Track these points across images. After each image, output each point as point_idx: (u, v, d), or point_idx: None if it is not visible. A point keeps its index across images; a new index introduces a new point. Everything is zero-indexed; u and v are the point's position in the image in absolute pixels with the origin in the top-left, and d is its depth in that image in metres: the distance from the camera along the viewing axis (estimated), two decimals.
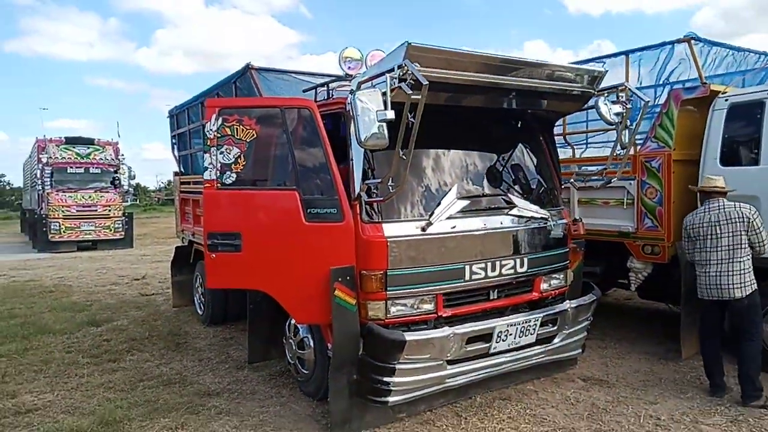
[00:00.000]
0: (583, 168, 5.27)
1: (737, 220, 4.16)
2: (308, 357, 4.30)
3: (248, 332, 5.04)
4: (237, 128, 3.88)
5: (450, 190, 4.05)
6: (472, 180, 4.34)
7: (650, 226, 5.33)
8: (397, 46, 3.48)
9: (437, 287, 3.89)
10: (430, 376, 3.79)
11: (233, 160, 3.87)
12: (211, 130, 3.90)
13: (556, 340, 4.38)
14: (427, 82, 3.17)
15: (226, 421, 4.05)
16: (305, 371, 4.37)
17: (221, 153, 3.86)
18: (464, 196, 4.10)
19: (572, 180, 4.98)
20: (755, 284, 4.18)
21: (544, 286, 4.45)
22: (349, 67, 4.28)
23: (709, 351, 4.41)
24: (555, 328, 4.34)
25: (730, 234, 4.17)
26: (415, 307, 3.85)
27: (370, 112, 3.29)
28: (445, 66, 3.60)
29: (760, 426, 3.76)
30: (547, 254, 4.45)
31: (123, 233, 17.42)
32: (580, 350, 4.71)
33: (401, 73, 3.31)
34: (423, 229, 3.84)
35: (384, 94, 3.32)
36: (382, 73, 3.40)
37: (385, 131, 3.30)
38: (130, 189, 18.63)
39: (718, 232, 4.20)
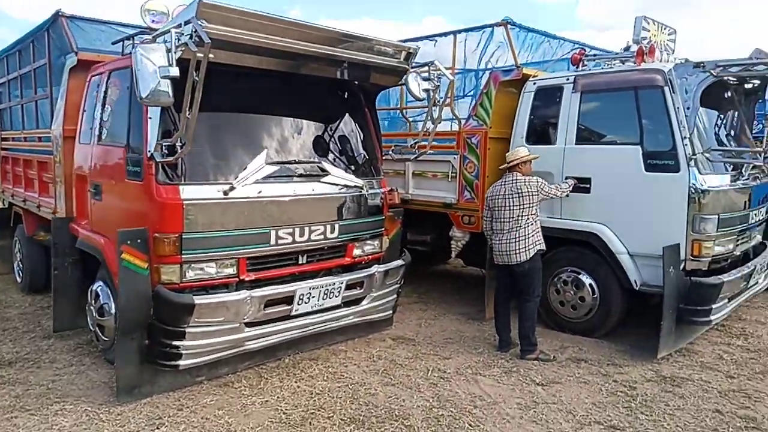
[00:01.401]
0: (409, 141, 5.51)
1: (526, 192, 4.58)
2: (108, 324, 4.13)
3: (53, 299, 4.78)
4: (111, 89, 4.29)
5: (259, 155, 4.05)
6: (285, 146, 4.36)
7: (469, 198, 5.73)
8: (191, 2, 3.38)
9: (240, 251, 3.89)
10: (226, 339, 3.82)
11: (107, 118, 4.30)
12: (101, 90, 4.38)
13: (363, 303, 4.60)
14: (209, 41, 3.12)
15: (9, 391, 3.81)
16: (105, 338, 4.20)
17: (104, 112, 4.32)
18: (273, 162, 4.11)
19: (390, 152, 5.19)
20: (539, 246, 4.60)
21: (356, 252, 4.62)
22: (153, 21, 4.09)
23: (501, 310, 4.86)
24: (362, 290, 4.55)
25: (519, 206, 4.56)
26: (216, 271, 3.83)
27: (153, 68, 3.18)
28: (244, 27, 3.54)
29: (526, 375, 4.24)
30: (359, 221, 4.62)
31: None
32: (390, 312, 5.00)
33: (191, 30, 3.24)
34: (225, 193, 3.81)
35: (169, 50, 3.23)
36: (170, 29, 3.30)
37: (170, 89, 3.21)
38: None
39: (510, 204, 4.59)
